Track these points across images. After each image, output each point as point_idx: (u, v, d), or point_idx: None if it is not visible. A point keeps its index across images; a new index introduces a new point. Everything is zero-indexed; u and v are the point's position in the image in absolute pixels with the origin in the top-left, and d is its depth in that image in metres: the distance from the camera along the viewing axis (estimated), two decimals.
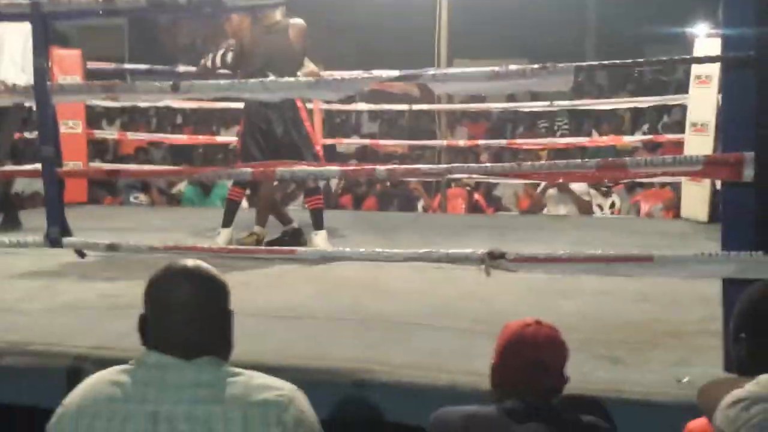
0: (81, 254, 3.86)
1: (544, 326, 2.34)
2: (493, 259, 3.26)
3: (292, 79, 3.99)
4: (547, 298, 4.09)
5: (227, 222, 5.37)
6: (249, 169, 4.27)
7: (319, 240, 5.33)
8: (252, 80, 3.76)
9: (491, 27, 17.48)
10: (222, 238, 5.24)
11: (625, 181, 7.60)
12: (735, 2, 2.84)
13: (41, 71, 3.64)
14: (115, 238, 3.83)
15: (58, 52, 7.21)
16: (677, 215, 7.19)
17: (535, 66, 3.26)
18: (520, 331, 2.32)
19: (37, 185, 7.62)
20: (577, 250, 3.38)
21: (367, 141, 10.94)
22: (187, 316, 1.81)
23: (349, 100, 9.16)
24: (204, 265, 1.89)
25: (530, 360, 2.27)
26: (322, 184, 9.81)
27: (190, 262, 1.88)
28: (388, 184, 9.08)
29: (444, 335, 3.60)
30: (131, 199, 9.21)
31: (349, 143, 11.02)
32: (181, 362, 1.78)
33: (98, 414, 1.75)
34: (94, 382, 1.82)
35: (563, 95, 8.80)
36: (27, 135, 8.24)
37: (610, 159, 3.28)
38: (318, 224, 5.42)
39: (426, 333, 3.63)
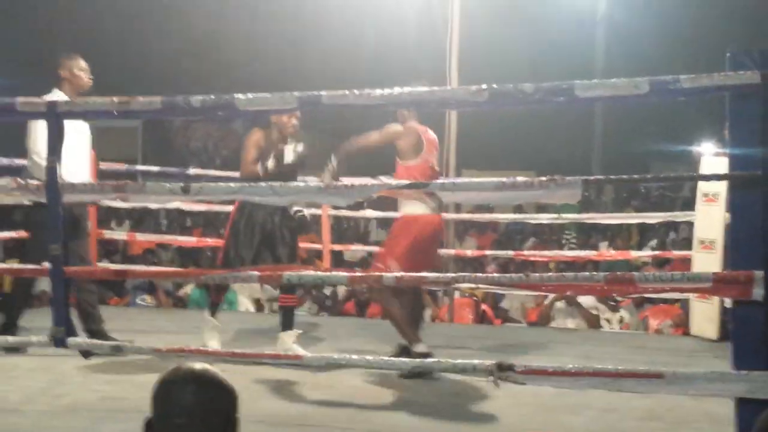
0: (86, 355, 3.83)
1: None
2: (502, 371, 3.22)
3: (302, 183, 4.03)
4: (555, 413, 4.02)
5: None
6: (256, 273, 4.27)
7: (288, 339, 5.28)
8: (262, 183, 3.79)
9: (499, 139, 17.76)
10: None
11: (634, 296, 7.57)
12: (741, 121, 2.88)
13: (52, 171, 3.68)
14: (120, 338, 3.81)
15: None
16: (686, 332, 7.14)
17: (543, 178, 3.29)
18: None
19: (45, 284, 7.65)
20: (586, 364, 3.35)
21: (374, 248, 10.94)
22: (193, 421, 1.79)
23: (358, 206, 9.23)
24: (212, 370, 1.87)
25: None
26: (329, 291, 9.85)
27: (198, 366, 1.86)
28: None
29: None
30: (138, 300, 9.19)
31: (356, 249, 11.03)
32: None
33: None
34: None
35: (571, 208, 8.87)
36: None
37: (618, 273, 3.26)
38: (288, 323, 5.37)
39: None
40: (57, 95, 5.12)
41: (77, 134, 5.19)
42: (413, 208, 5.00)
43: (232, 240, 5.36)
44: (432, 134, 5.17)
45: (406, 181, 3.64)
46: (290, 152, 5.36)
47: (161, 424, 1.82)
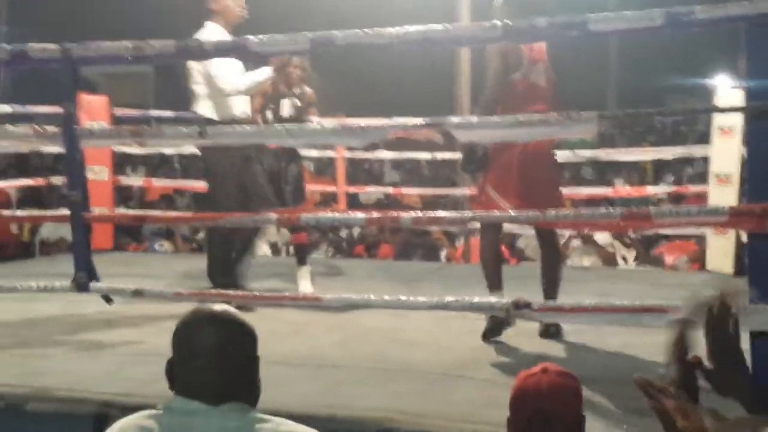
0: (108, 300, 3.88)
1: (549, 374, 2.16)
2: (518, 309, 3.24)
3: (317, 125, 4.04)
4: (571, 350, 4.06)
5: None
6: (274, 215, 4.29)
7: (303, 274, 5.56)
8: (278, 126, 3.80)
9: None
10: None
11: (649, 233, 7.58)
12: (758, 53, 2.85)
13: (70, 117, 3.69)
14: (140, 285, 3.85)
15: (86, 98, 7.31)
16: (702, 267, 7.15)
17: (558, 114, 3.28)
18: (524, 382, 2.16)
19: (63, 231, 7.72)
20: (603, 301, 3.37)
21: (388, 189, 10.96)
22: (214, 362, 1.80)
23: (372, 147, 9.23)
24: (231, 310, 1.89)
25: (536, 411, 2.11)
26: (344, 233, 9.90)
27: (218, 308, 1.88)
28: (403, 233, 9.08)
29: (468, 385, 3.59)
30: (156, 246, 9.27)
31: (370, 191, 11.05)
32: (208, 408, 1.77)
33: None
34: (121, 426, 1.81)
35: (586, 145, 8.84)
36: (53, 181, 8.34)
37: (635, 209, 3.27)
38: (302, 259, 5.66)
39: (450, 383, 3.62)
40: (211, 29, 4.96)
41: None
42: None
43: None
44: (541, 44, 4.34)
45: (420, 120, 3.60)
46: (287, 106, 5.42)
47: (182, 366, 1.83)
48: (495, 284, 4.33)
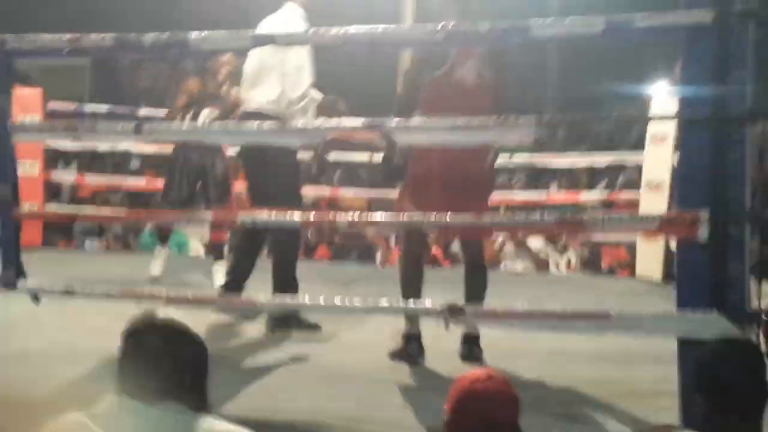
0: (36, 299, 3.79)
1: (495, 380, 2.19)
2: (453, 314, 3.26)
3: (256, 124, 4.00)
4: (502, 356, 4.09)
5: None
6: (208, 213, 4.26)
7: (221, 269, 5.68)
8: (216, 124, 3.76)
9: None
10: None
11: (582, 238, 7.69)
12: (692, 61, 2.90)
13: (2, 110, 3.61)
14: (70, 283, 3.78)
15: (20, 91, 7.16)
16: (632, 274, 7.27)
17: (497, 118, 3.30)
18: (470, 386, 2.17)
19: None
20: (534, 306, 3.40)
21: (326, 189, 10.92)
22: (158, 367, 1.84)
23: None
24: (178, 321, 1.94)
25: (482, 416, 2.14)
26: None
27: (165, 316, 1.94)
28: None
29: (401, 390, 3.59)
30: (86, 244, 9.12)
31: (308, 193, 10.99)
32: (145, 406, 1.80)
33: None
34: (58, 423, 1.83)
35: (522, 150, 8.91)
36: None
37: (568, 215, 3.31)
38: (220, 255, 5.89)
39: (381, 387, 3.62)
40: (290, 9, 4.71)
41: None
42: None
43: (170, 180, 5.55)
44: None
45: (359, 120, 3.57)
46: (204, 117, 5.42)
47: (126, 368, 1.87)
48: (411, 295, 4.00)
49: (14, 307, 4.34)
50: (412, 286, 4.11)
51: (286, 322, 4.42)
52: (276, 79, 4.58)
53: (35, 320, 4.19)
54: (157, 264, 6.17)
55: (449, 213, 3.32)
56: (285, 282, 4.53)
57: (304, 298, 3.55)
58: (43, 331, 4.38)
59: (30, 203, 6.93)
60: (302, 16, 4.66)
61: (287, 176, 4.64)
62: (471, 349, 4.10)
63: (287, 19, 4.63)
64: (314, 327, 4.48)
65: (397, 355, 4.09)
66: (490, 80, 4.07)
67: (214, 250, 6.03)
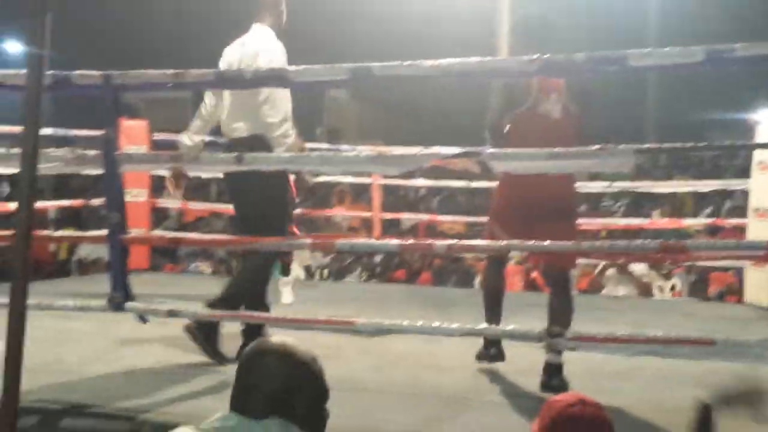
0: (143, 320, 3.92)
1: (589, 404, 2.17)
2: (551, 337, 3.24)
3: (353, 153, 4.07)
4: (604, 379, 4.03)
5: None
6: (308, 240, 4.32)
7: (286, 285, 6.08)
8: (315, 154, 3.83)
9: None
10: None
11: (687, 264, 7.52)
12: None
13: (110, 142, 3.76)
14: (175, 305, 3.89)
15: (126, 123, 7.40)
16: (740, 300, 7.08)
17: (595, 147, 3.28)
18: (563, 410, 2.16)
19: (101, 251, 7.81)
20: (636, 331, 3.35)
21: (425, 216, 10.97)
22: (268, 387, 1.88)
23: (409, 175, 9.25)
24: (293, 344, 1.97)
25: None
26: (380, 257, 9.92)
27: (279, 340, 1.97)
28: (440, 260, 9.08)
29: (499, 412, 3.57)
30: (191, 267, 9.35)
31: (406, 218, 11.06)
32: (251, 422, 1.85)
33: None
34: None
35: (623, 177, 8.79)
36: (92, 202, 8.46)
37: (671, 241, 3.25)
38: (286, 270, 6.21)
39: (481, 409, 3.61)
40: (261, 31, 4.55)
41: None
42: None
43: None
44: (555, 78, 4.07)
45: (456, 149, 3.61)
46: None
47: (240, 390, 1.91)
48: (491, 319, 4.20)
49: (123, 327, 4.50)
50: (494, 311, 4.25)
51: (202, 333, 4.24)
52: (254, 106, 4.41)
53: (143, 340, 4.32)
54: (287, 292, 6.39)
55: (537, 238, 3.42)
56: (256, 302, 4.40)
57: (404, 320, 3.56)
58: (151, 349, 4.52)
59: (137, 229, 7.16)
60: (274, 38, 4.55)
61: (275, 201, 4.54)
62: (551, 378, 3.99)
63: (265, 42, 4.49)
64: (219, 358, 4.24)
65: (480, 357, 4.28)
66: (575, 113, 4.10)
67: (284, 269, 6.30)
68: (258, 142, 4.31)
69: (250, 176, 4.07)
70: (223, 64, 4.55)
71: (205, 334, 4.21)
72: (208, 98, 4.57)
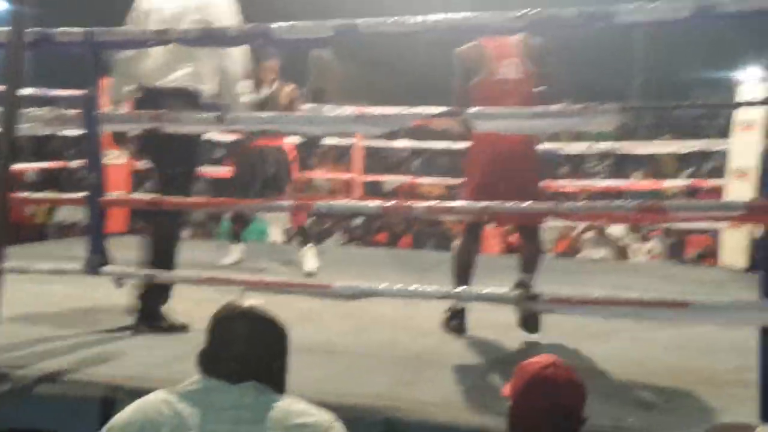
0: (119, 283, 3.91)
1: (561, 367, 2.20)
2: (527, 300, 3.25)
3: (336, 113, 4.04)
4: (579, 340, 4.07)
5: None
6: (287, 202, 4.31)
7: (308, 252, 5.98)
8: (298, 113, 3.80)
9: None
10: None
11: (665, 227, 7.55)
12: None
13: (91, 100, 3.72)
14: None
15: (108, 82, 7.30)
16: (715, 263, 7.13)
17: (579, 105, 3.27)
18: (537, 372, 2.19)
19: (80, 215, 7.77)
20: (612, 294, 3.37)
21: (405, 177, 10.95)
22: (241, 351, 1.93)
23: (391, 136, 9.22)
24: (262, 307, 2.02)
25: (549, 403, 2.15)
26: (360, 220, 9.92)
27: (249, 303, 2.01)
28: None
29: (477, 374, 3.60)
30: None
31: (387, 180, 11.03)
32: (227, 385, 1.89)
33: (144, 428, 1.84)
34: (144, 400, 1.92)
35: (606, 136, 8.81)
36: (71, 164, 8.40)
37: (649, 201, 3.26)
38: (306, 240, 6.07)
39: (459, 371, 3.63)
40: None
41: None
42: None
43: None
44: (510, 39, 4.28)
45: (439, 108, 3.60)
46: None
47: (212, 353, 1.95)
48: (461, 283, 4.31)
49: (99, 291, 4.48)
50: (463, 271, 4.39)
51: (152, 320, 4.23)
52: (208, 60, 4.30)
53: (119, 304, 4.31)
54: (231, 256, 6.47)
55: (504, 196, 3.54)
56: (165, 263, 4.27)
57: (380, 285, 3.56)
58: (125, 313, 4.50)
59: (117, 192, 7.10)
60: None
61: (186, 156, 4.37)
62: (526, 318, 4.18)
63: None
64: (180, 327, 4.22)
65: (443, 327, 4.37)
66: (533, 73, 4.27)
67: (299, 236, 6.14)
68: (188, 96, 4.23)
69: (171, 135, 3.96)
70: (150, 12, 4.28)
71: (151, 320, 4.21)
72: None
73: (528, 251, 4.41)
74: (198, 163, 4.57)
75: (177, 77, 4.25)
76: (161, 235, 4.36)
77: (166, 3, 4.29)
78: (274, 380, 1.95)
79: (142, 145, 4.51)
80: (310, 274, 5.90)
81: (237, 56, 4.34)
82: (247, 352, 1.92)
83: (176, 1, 4.28)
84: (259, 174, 6.03)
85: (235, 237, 6.57)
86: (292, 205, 4.75)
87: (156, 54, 4.24)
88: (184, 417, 1.84)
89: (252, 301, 2.02)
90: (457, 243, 4.53)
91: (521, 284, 4.17)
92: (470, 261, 4.43)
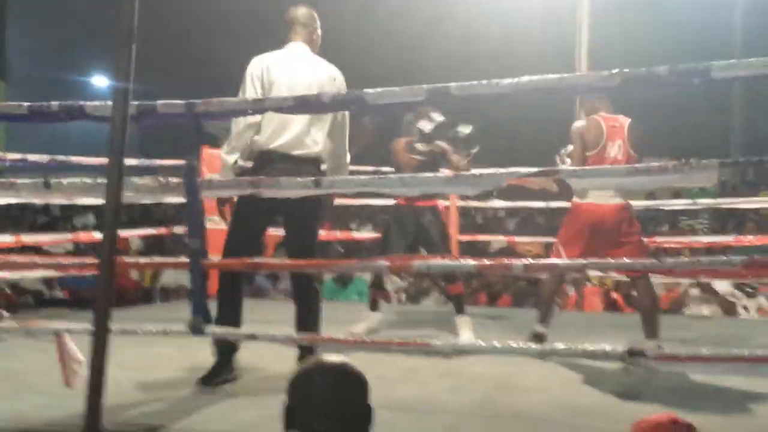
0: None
1: (680, 425, 2.16)
2: (633, 356, 3.17)
3: (430, 174, 4.05)
4: (689, 399, 3.94)
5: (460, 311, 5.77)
6: (386, 262, 4.32)
7: (463, 324, 5.59)
8: (391, 176, 3.83)
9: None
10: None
11: None
12: None
13: (192, 169, 3.82)
14: (254, 329, 3.92)
15: (208, 152, 7.52)
16: None
17: (677, 162, 3.22)
18: (655, 430, 2.14)
19: (183, 279, 7.93)
20: (721, 350, 3.26)
21: (501, 237, 10.89)
22: (328, 408, 1.92)
23: (486, 196, 9.20)
24: (347, 362, 2.01)
25: None
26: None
27: (335, 358, 2.01)
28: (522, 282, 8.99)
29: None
30: (269, 293, 9.44)
31: (484, 239, 10.99)
32: None
33: None
34: None
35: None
36: (175, 230, 8.62)
37: (756, 256, 3.16)
38: (460, 309, 5.70)
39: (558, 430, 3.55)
40: (305, 50, 4.58)
41: None
42: (578, 196, 4.98)
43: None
44: (621, 121, 5.04)
45: (534, 168, 3.60)
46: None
47: (299, 410, 1.95)
48: (543, 319, 5.05)
49: (204, 352, 4.56)
50: (547, 312, 5.09)
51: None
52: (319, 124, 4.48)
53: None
54: (366, 324, 6.10)
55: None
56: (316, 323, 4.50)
57: (480, 342, 3.53)
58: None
59: (218, 256, 7.25)
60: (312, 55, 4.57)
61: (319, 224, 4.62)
62: None
63: (309, 60, 4.51)
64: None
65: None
66: (632, 158, 4.91)
67: (455, 305, 5.82)
68: (313, 164, 4.40)
69: (308, 200, 4.16)
70: (286, 84, 4.40)
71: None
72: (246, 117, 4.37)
73: (643, 305, 4.85)
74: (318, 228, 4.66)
75: (309, 144, 4.43)
76: (308, 297, 4.52)
77: (297, 75, 4.43)
78: None
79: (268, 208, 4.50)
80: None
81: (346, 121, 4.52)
82: (337, 408, 1.93)
83: (307, 72, 4.45)
84: (410, 233, 5.84)
85: (374, 305, 6.21)
86: (392, 264, 4.76)
87: (278, 120, 4.39)
88: None
89: (336, 356, 2.02)
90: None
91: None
92: (551, 298, 5.12)
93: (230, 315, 4.39)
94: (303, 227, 4.53)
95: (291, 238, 4.59)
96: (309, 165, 4.39)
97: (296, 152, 4.42)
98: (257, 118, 4.38)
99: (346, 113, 4.51)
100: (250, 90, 4.41)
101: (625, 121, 5.04)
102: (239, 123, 4.41)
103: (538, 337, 4.93)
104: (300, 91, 4.23)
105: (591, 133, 4.99)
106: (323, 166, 4.52)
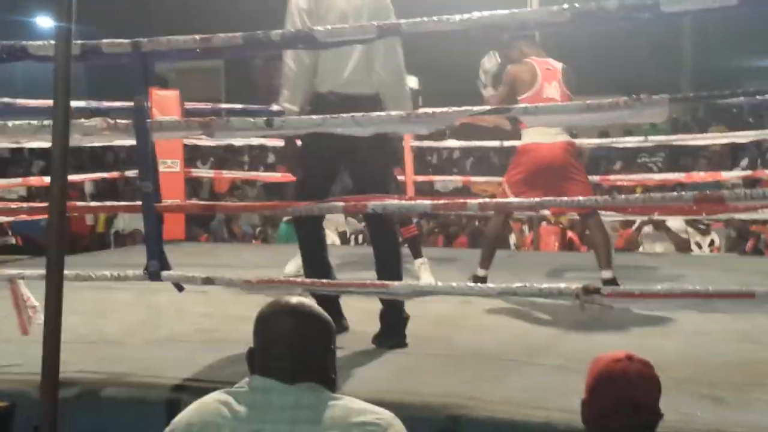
0: (179, 288, 3.93)
1: (635, 361, 2.17)
2: (588, 294, 3.20)
3: (383, 113, 4.01)
4: (645, 336, 4.00)
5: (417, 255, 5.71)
6: (340, 203, 4.29)
7: (422, 268, 5.61)
8: (344, 115, 3.77)
9: (585, 63, 17.30)
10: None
11: (726, 218, 7.41)
12: None
13: (141, 110, 3.74)
14: (211, 273, 3.90)
15: (157, 93, 7.41)
16: None
17: (628, 98, 3.21)
18: (610, 366, 2.16)
19: (138, 223, 7.87)
20: (675, 286, 3.30)
21: (457, 177, 10.90)
22: (292, 348, 1.91)
23: (440, 136, 9.18)
24: (308, 303, 2.00)
25: (621, 397, 2.12)
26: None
27: (295, 300, 2.00)
28: (477, 223, 9.04)
29: (538, 371, 3.56)
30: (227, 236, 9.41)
31: (438, 180, 10.98)
32: (285, 386, 1.88)
33: (205, 429, 1.85)
34: (203, 401, 1.93)
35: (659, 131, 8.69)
36: (127, 174, 8.51)
37: (708, 192, 3.19)
38: (417, 253, 5.68)
39: (520, 369, 3.59)
40: None
41: None
42: (527, 137, 5.02)
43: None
44: (554, 64, 5.13)
45: (486, 107, 3.59)
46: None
47: (261, 353, 1.95)
48: (485, 264, 5.08)
49: (160, 296, 4.53)
50: (489, 256, 5.11)
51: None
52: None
53: (179, 308, 4.34)
54: (293, 264, 6.04)
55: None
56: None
57: (437, 283, 3.54)
58: (187, 318, 4.55)
59: (172, 199, 7.18)
60: None
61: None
62: None
63: None
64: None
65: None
66: (568, 98, 4.96)
67: (411, 248, 5.77)
68: (370, 102, 4.12)
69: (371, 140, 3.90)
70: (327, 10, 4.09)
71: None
72: (301, 58, 4.12)
73: (595, 241, 4.97)
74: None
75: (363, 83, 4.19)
76: (390, 242, 4.29)
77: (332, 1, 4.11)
78: (326, 378, 1.94)
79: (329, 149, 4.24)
80: None
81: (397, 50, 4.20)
82: (296, 349, 1.91)
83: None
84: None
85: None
86: (347, 205, 4.73)
87: (332, 59, 4.12)
88: (243, 418, 1.85)
89: (296, 298, 2.01)
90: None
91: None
92: (495, 241, 5.21)
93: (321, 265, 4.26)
94: (370, 172, 4.28)
95: (360, 185, 4.33)
96: (367, 103, 4.07)
97: (352, 91, 4.16)
98: (313, 58, 4.11)
99: (397, 43, 4.18)
100: (298, 24, 4.07)
101: (558, 64, 5.13)
102: (295, 67, 4.14)
103: (480, 281, 4.90)
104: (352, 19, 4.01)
105: (525, 75, 5.04)
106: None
